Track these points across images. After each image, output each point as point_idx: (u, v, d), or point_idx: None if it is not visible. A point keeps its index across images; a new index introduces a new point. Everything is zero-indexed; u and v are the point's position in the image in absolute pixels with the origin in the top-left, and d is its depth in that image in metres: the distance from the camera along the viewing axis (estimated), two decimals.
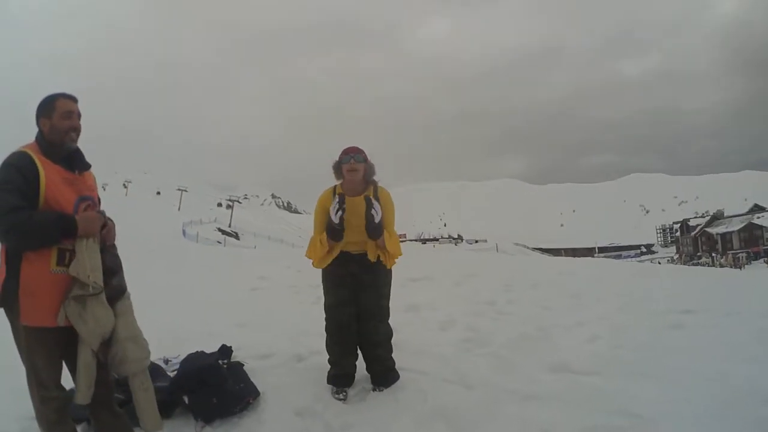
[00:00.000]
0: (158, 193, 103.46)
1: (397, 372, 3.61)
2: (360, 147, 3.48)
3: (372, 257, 3.44)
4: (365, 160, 3.43)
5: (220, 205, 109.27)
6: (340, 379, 3.52)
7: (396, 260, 3.55)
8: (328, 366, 3.58)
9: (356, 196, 3.42)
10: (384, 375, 3.55)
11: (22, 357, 2.40)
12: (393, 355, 3.64)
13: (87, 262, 2.31)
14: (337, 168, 3.45)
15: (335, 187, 3.54)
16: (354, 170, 3.38)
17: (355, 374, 3.61)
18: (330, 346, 3.57)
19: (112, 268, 2.50)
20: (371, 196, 3.37)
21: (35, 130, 2.46)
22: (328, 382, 3.53)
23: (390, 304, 3.65)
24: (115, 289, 2.50)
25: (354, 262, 3.48)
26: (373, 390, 3.51)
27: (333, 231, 3.32)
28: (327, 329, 3.56)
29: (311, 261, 3.56)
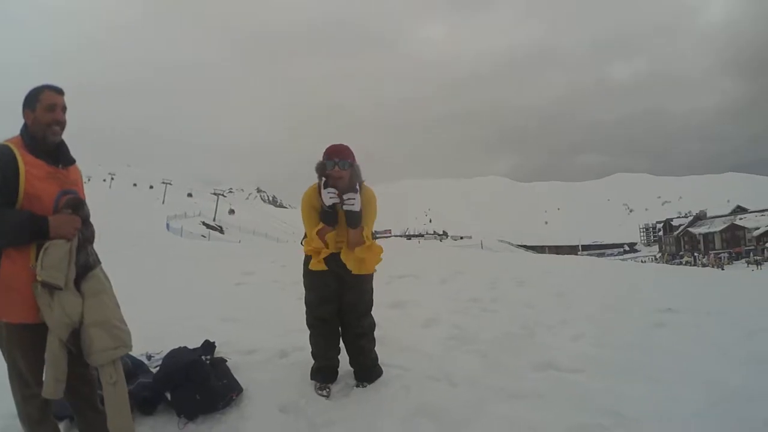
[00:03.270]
0: (150, 186, 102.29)
1: (381, 367, 3.59)
2: (347, 145, 3.26)
3: (346, 260, 3.29)
4: (351, 165, 3.20)
5: (190, 195, 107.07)
6: (324, 373, 3.49)
7: (375, 267, 3.41)
8: (312, 361, 3.55)
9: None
10: (368, 369, 3.54)
11: (3, 354, 2.35)
12: (377, 349, 3.62)
13: (41, 260, 2.21)
14: (321, 170, 3.22)
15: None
16: (340, 178, 3.16)
17: (339, 369, 3.58)
18: (313, 338, 3.53)
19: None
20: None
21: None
22: (312, 378, 3.50)
23: (374, 300, 3.61)
24: (79, 266, 2.36)
25: (337, 261, 3.37)
26: (357, 386, 3.50)
27: (326, 214, 3.17)
28: (308, 323, 3.52)
29: (307, 258, 3.44)
